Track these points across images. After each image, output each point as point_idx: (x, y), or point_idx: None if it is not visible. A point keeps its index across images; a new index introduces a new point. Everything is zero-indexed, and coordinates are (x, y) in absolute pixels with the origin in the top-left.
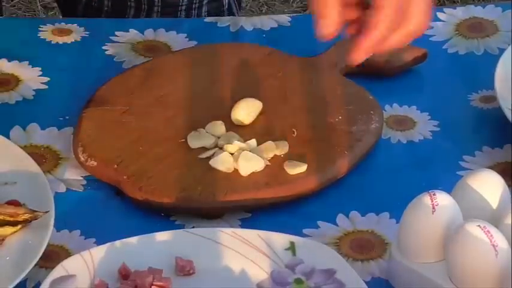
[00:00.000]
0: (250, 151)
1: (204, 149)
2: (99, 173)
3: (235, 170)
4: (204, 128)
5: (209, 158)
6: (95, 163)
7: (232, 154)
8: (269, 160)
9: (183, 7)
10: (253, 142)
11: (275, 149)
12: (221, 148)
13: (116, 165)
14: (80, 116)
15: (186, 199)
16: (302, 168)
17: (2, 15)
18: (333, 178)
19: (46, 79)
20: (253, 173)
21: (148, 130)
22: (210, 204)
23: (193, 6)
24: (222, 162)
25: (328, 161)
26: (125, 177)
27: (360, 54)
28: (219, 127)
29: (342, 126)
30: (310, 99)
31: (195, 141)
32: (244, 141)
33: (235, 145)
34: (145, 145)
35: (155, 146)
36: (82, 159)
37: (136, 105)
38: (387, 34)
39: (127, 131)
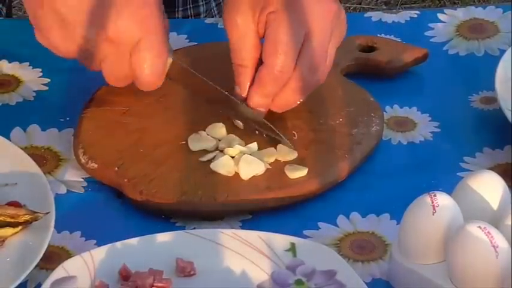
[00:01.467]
0: (250, 154)
1: (205, 151)
2: (99, 175)
3: (236, 174)
4: (204, 131)
5: (210, 161)
6: (96, 165)
7: (233, 157)
8: (270, 164)
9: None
10: (254, 145)
11: (276, 153)
12: (222, 151)
13: (116, 168)
14: (80, 117)
15: (187, 202)
16: (303, 172)
17: (11, 16)
18: (334, 181)
19: (47, 80)
20: (254, 176)
21: (148, 131)
22: (210, 207)
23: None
24: (223, 166)
25: (328, 164)
26: (125, 180)
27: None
28: (219, 129)
29: (342, 129)
30: (311, 100)
31: (195, 143)
32: (245, 144)
33: (236, 149)
34: (145, 147)
35: (156, 148)
36: (83, 161)
37: (136, 106)
38: (272, 90)
39: (127, 133)
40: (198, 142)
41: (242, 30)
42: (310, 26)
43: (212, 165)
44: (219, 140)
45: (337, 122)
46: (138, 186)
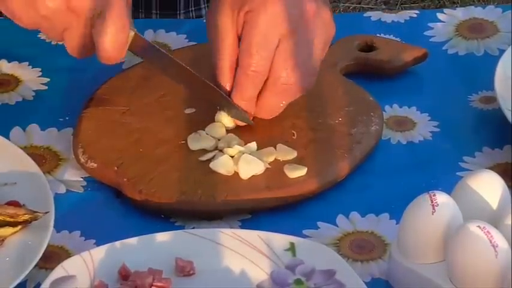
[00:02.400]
0: (250, 154)
1: (204, 151)
2: (99, 174)
3: (235, 173)
4: (204, 130)
5: (209, 160)
6: (95, 165)
7: (232, 157)
8: (269, 163)
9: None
10: (253, 145)
11: (275, 153)
12: (221, 151)
13: (116, 167)
14: (80, 116)
15: (186, 202)
16: (302, 171)
17: None
18: (333, 181)
19: (46, 80)
20: (253, 176)
21: (148, 131)
22: (209, 206)
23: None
24: (222, 165)
25: (328, 164)
26: (125, 179)
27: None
28: (219, 129)
29: (342, 128)
30: (311, 100)
31: (195, 143)
32: (245, 143)
33: (236, 149)
34: (145, 147)
35: (155, 147)
36: (82, 160)
37: (136, 106)
38: (249, 92)
39: (127, 132)
40: (197, 142)
41: (220, 30)
42: (287, 26)
43: (211, 165)
44: (219, 140)
45: (337, 121)
46: (138, 186)
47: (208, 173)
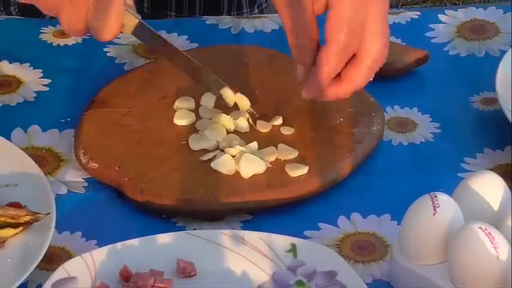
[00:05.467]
0: (251, 154)
1: (205, 151)
2: (100, 175)
3: (237, 172)
4: (205, 131)
5: (210, 160)
6: (96, 165)
7: (233, 156)
8: (270, 163)
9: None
10: (254, 145)
11: (276, 152)
12: (222, 150)
13: (117, 167)
14: (81, 118)
15: (188, 201)
16: (303, 170)
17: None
18: (335, 180)
19: (47, 81)
20: (254, 175)
21: (149, 132)
22: (211, 206)
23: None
24: (224, 165)
25: (329, 163)
26: (126, 179)
27: (309, 91)
28: (220, 130)
29: (343, 129)
30: (312, 101)
31: (196, 143)
32: (246, 143)
33: (237, 148)
34: (146, 147)
35: (156, 148)
36: (83, 161)
37: (137, 107)
38: (337, 68)
39: (128, 133)
40: (198, 142)
41: (296, 6)
42: (369, 4)
43: (213, 164)
44: (220, 140)
45: (338, 122)
46: (139, 185)
47: (209, 172)
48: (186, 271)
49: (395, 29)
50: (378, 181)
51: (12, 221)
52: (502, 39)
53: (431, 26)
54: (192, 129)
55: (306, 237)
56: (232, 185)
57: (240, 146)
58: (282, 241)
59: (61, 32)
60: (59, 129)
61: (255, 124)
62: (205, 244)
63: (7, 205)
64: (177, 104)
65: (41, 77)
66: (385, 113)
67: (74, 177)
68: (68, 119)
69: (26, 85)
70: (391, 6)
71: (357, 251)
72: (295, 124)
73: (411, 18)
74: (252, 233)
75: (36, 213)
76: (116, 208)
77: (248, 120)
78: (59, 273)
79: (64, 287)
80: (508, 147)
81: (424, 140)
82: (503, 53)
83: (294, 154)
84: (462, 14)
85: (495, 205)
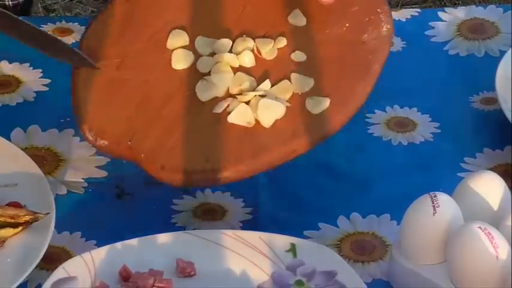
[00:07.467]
0: (266, 95)
1: (216, 99)
2: (112, 152)
3: (257, 122)
4: (211, 76)
5: (225, 110)
6: (106, 142)
7: (247, 103)
8: (288, 101)
9: None
10: (266, 84)
11: (291, 86)
12: (235, 97)
13: (129, 142)
14: (73, 79)
15: (214, 171)
16: (325, 104)
17: (29, 14)
18: (357, 108)
19: (47, 81)
20: (276, 121)
21: (150, 86)
22: (241, 173)
23: None
24: (241, 116)
25: (349, 89)
26: (142, 155)
27: None
28: (226, 71)
29: (351, 36)
30: (310, 9)
31: (204, 92)
32: (255, 80)
33: (250, 95)
34: (152, 108)
35: (163, 106)
36: (90, 138)
37: (129, 53)
38: None
39: (129, 92)
40: (206, 90)
41: None
42: None
43: (230, 118)
44: (229, 85)
45: (344, 28)
46: (157, 160)
47: (228, 128)
48: (185, 271)
49: (395, 27)
50: (377, 181)
51: (12, 220)
52: (501, 39)
53: (431, 24)
54: (194, 70)
55: (305, 237)
56: (257, 140)
57: (251, 86)
58: (281, 241)
59: (61, 30)
60: (59, 129)
61: (260, 53)
62: (205, 244)
63: (7, 205)
64: (170, 41)
65: (41, 77)
66: (384, 113)
67: (73, 177)
68: (68, 119)
69: (25, 85)
70: (391, 6)
71: (357, 251)
72: (299, 42)
73: (411, 15)
74: (251, 233)
75: (35, 213)
76: (115, 208)
77: (253, 50)
78: (59, 273)
79: (64, 287)
80: (508, 147)
81: (423, 140)
82: (502, 53)
83: (310, 83)
84: (462, 13)
85: (495, 205)
